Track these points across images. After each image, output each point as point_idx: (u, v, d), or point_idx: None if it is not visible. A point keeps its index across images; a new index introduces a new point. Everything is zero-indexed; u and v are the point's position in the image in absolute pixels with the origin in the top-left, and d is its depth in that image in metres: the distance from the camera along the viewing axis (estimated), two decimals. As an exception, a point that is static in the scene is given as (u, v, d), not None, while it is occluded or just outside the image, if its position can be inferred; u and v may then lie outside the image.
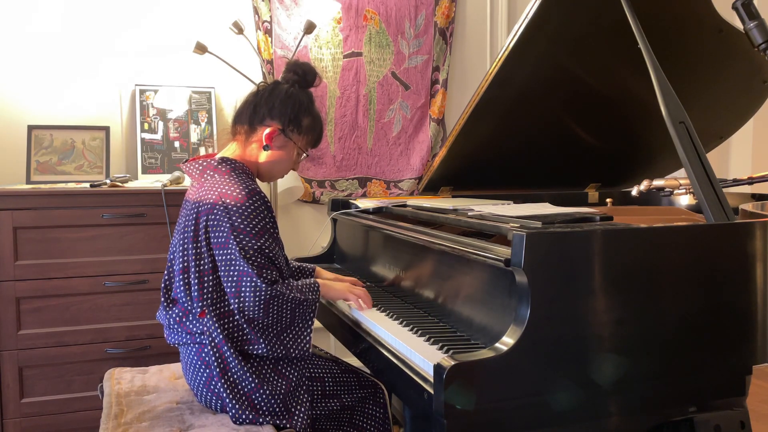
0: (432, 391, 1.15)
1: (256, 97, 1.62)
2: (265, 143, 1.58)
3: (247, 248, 1.43)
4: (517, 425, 1.17)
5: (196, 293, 1.48)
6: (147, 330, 2.38)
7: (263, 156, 1.60)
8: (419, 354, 1.27)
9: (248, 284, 1.42)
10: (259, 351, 1.46)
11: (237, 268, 1.43)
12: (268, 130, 1.58)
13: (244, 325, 1.45)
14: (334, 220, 2.30)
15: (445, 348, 1.29)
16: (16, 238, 2.23)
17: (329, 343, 3.07)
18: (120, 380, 1.73)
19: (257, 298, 1.42)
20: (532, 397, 1.17)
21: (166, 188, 2.35)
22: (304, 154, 1.68)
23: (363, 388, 1.65)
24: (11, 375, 2.25)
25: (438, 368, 1.11)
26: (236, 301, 1.44)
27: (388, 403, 1.67)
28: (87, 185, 2.37)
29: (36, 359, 2.27)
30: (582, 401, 1.21)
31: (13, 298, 2.24)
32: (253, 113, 1.60)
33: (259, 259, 1.44)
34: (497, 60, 1.80)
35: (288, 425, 1.46)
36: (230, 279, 1.44)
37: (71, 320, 2.30)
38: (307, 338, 1.50)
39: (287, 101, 1.59)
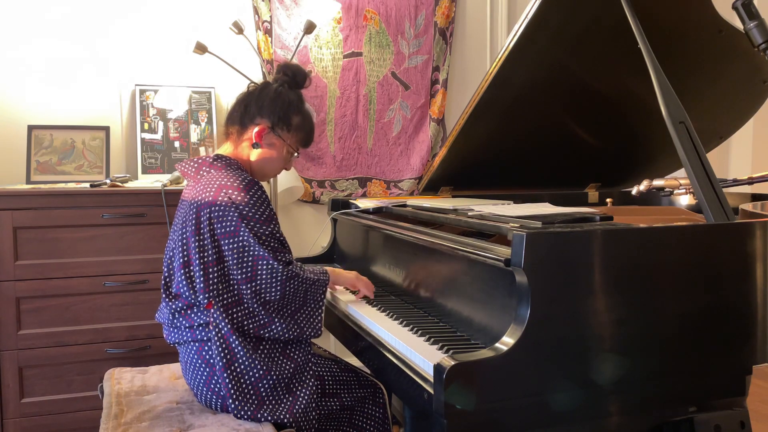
0: (432, 391, 1.15)
1: (247, 97, 1.66)
2: (254, 141, 1.62)
3: (260, 234, 1.49)
4: (517, 425, 1.17)
5: (201, 285, 1.49)
6: (147, 330, 2.38)
7: (254, 154, 1.64)
8: (419, 354, 1.27)
9: (265, 267, 1.48)
10: (275, 332, 1.50)
11: (252, 253, 1.48)
12: (257, 128, 1.61)
13: (259, 309, 1.48)
14: (334, 220, 2.30)
15: (445, 348, 1.29)
16: (16, 238, 2.23)
17: (329, 343, 3.07)
18: (120, 380, 1.73)
19: (274, 280, 1.48)
20: (532, 397, 1.17)
21: (166, 188, 2.35)
22: (296, 153, 1.70)
23: (363, 388, 1.65)
24: (11, 375, 2.25)
25: (438, 368, 1.11)
26: (250, 285, 1.48)
27: (387, 404, 1.67)
28: (87, 185, 2.37)
29: (36, 359, 2.27)
30: (582, 401, 1.21)
31: (13, 298, 2.24)
32: (243, 112, 1.64)
33: (272, 243, 1.50)
34: (497, 60, 1.80)
35: (288, 415, 1.45)
36: (244, 265, 1.48)
37: (71, 320, 2.30)
38: (320, 317, 1.57)
39: (276, 100, 1.63)
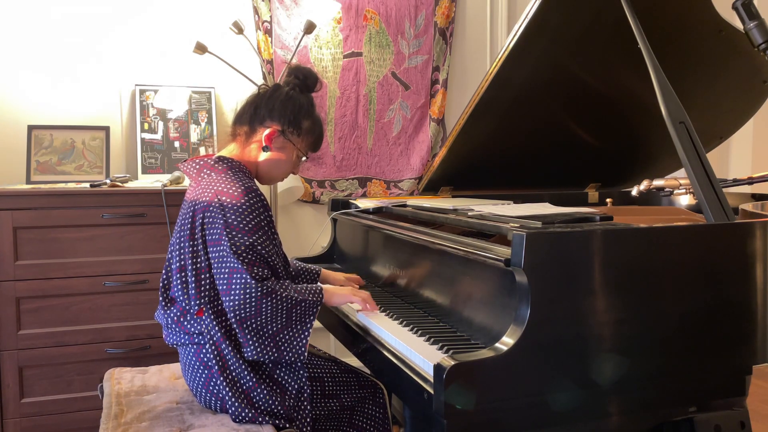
0: (432, 391, 1.15)
1: (257, 99, 1.63)
2: (264, 144, 1.59)
3: (238, 245, 1.42)
4: (517, 425, 1.17)
5: (193, 291, 1.48)
6: (147, 330, 2.38)
7: (262, 157, 1.61)
8: (419, 354, 1.27)
9: (239, 281, 1.40)
10: (249, 353, 1.43)
11: (228, 264, 1.42)
12: (267, 131, 1.59)
13: (236, 326, 1.42)
14: (334, 220, 2.30)
15: (445, 348, 1.29)
16: (16, 238, 2.23)
17: (329, 343, 3.07)
18: (120, 380, 1.73)
19: (248, 296, 1.40)
20: (532, 397, 1.17)
21: (166, 188, 2.35)
22: (304, 158, 1.68)
23: (362, 389, 1.65)
24: (11, 375, 2.25)
25: (438, 368, 1.11)
26: (227, 299, 1.42)
27: (387, 404, 1.67)
28: (87, 185, 2.37)
29: (36, 359, 2.27)
30: (582, 401, 1.21)
31: (13, 298, 2.24)
32: (253, 114, 1.61)
33: (250, 256, 1.42)
34: (497, 60, 1.80)
35: (288, 426, 1.46)
36: (222, 276, 1.43)
37: (71, 320, 2.30)
38: (304, 342, 1.46)
39: (287, 103, 1.60)
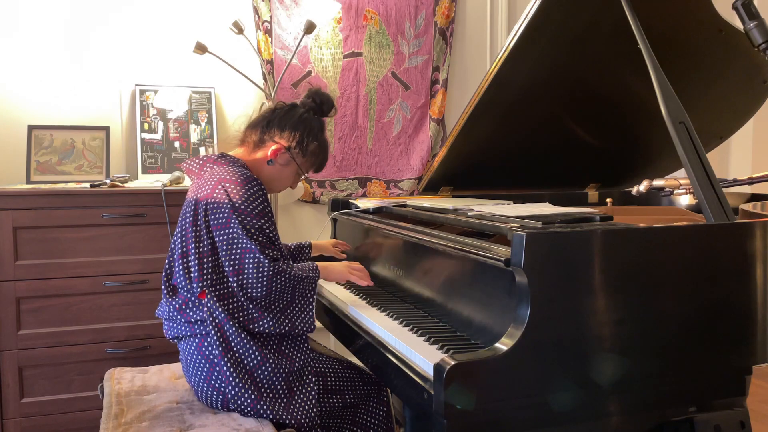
0: (432, 391, 1.15)
1: (272, 114, 1.71)
2: (270, 158, 1.67)
3: (249, 227, 1.50)
4: (517, 425, 1.17)
5: (195, 274, 1.52)
6: (147, 330, 2.38)
7: (265, 169, 1.68)
8: (419, 354, 1.27)
9: (251, 260, 1.48)
10: (264, 327, 1.50)
11: (240, 245, 1.49)
12: (274, 147, 1.66)
13: (248, 303, 1.49)
14: (334, 220, 2.31)
15: (445, 348, 1.29)
16: (16, 238, 2.23)
17: (329, 343, 3.07)
18: (120, 380, 1.73)
19: (260, 274, 1.47)
20: (532, 397, 1.17)
21: (166, 188, 2.35)
22: (304, 176, 1.76)
23: (366, 386, 1.66)
24: (11, 375, 2.25)
25: (438, 368, 1.11)
26: (238, 278, 1.48)
27: (391, 402, 1.68)
28: (87, 185, 2.37)
29: (36, 359, 2.27)
30: (582, 401, 1.21)
31: (13, 298, 2.24)
32: (265, 127, 1.69)
33: (260, 238, 1.51)
34: (497, 60, 1.80)
35: (287, 414, 1.46)
36: (232, 257, 1.49)
37: (71, 320, 2.30)
38: (311, 313, 1.56)
39: (299, 124, 1.69)
